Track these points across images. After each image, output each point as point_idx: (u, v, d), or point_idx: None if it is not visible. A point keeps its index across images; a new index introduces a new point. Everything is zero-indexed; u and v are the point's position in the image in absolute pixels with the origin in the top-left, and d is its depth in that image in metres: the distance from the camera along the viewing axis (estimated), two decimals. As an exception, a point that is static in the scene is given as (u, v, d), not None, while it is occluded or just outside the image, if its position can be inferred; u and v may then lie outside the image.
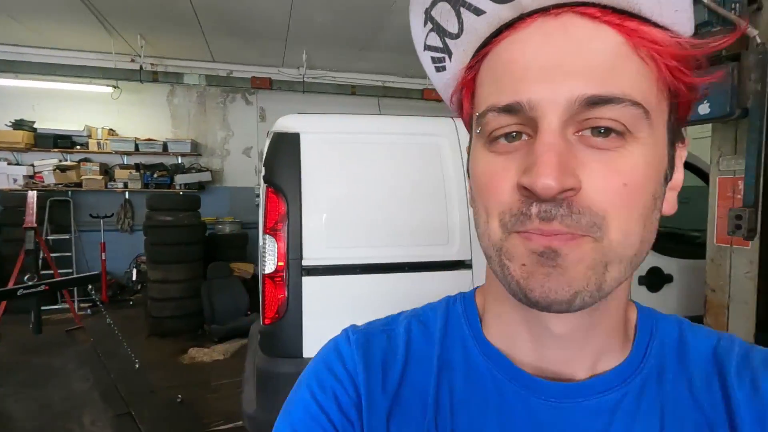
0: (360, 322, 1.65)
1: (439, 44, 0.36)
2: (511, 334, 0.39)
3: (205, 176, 6.95)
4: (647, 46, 0.29)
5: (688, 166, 2.57)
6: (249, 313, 4.90)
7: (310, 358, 1.60)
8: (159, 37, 5.94)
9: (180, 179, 6.73)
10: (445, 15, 0.33)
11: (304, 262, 1.82)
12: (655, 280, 2.31)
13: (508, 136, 0.32)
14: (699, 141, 2.43)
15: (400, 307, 1.86)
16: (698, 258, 2.25)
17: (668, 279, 2.32)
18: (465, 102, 0.38)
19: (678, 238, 2.61)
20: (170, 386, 3.32)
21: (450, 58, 0.36)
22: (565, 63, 0.29)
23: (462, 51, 0.35)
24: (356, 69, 7.36)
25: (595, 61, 0.29)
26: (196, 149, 7.07)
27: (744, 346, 0.37)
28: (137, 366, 3.10)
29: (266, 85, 6.74)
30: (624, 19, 0.29)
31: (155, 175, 6.72)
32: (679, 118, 0.34)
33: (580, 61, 0.29)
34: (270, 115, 7.48)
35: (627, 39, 0.29)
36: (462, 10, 0.32)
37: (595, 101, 0.28)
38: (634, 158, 0.30)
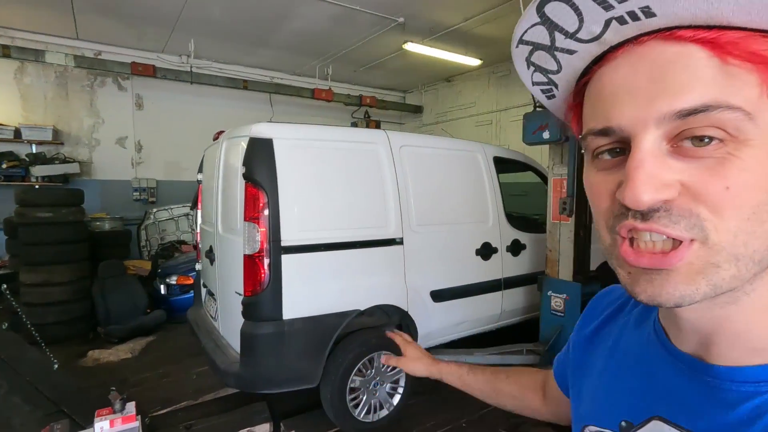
0: (325, 288, 2.69)
1: (544, 79, 0.40)
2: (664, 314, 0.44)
3: (73, 168, 6.19)
4: (742, 55, 0.29)
5: (533, 169, 3.69)
6: (149, 311, 4.75)
7: (290, 319, 2.27)
8: (9, 3, 5.08)
9: (38, 171, 5.88)
10: (543, 59, 0.38)
11: (283, 243, 2.25)
12: (516, 248, 3.33)
13: (611, 151, 0.35)
14: (538, 151, 3.52)
15: (355, 275, 2.73)
16: (540, 232, 3.34)
17: (523, 247, 3.38)
18: (574, 124, 0.42)
19: (527, 220, 3.73)
20: (90, 386, 3.24)
21: (557, 88, 0.41)
22: (650, 87, 0.31)
23: (565, 82, 0.40)
24: (246, 63, 7.37)
25: (680, 79, 0.30)
26: (57, 137, 6.23)
27: None
28: (56, 366, 2.96)
29: (149, 72, 6.32)
30: (720, 33, 0.29)
31: (3, 166, 5.75)
32: None
33: (666, 82, 0.30)
34: (150, 103, 7.00)
35: (717, 53, 0.29)
36: (556, 53, 0.37)
37: (686, 113, 0.30)
38: (739, 161, 0.30)
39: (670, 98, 0.30)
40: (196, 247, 3.46)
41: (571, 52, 0.36)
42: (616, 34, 0.33)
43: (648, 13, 0.30)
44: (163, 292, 4.94)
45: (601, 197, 0.36)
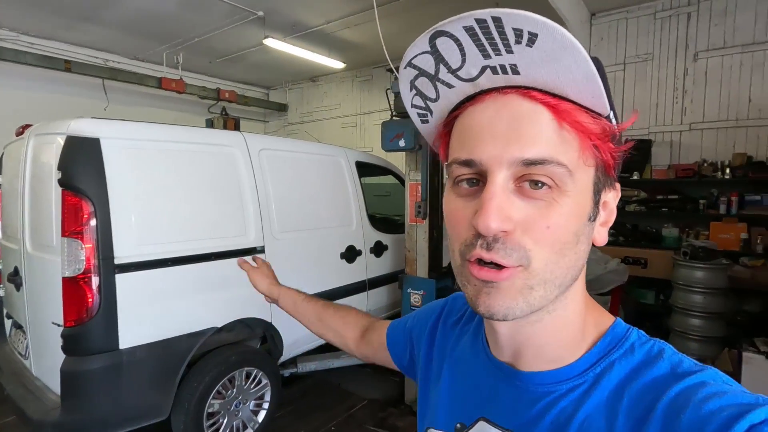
0: (175, 307, 2.50)
1: (422, 104, 0.45)
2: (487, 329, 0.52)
3: None
4: (572, 123, 0.38)
5: (393, 174, 3.90)
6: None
7: (129, 348, 2.01)
8: None
9: None
10: (425, 85, 0.43)
11: (116, 261, 1.92)
12: (379, 249, 3.48)
13: (469, 181, 0.41)
14: (397, 158, 3.73)
15: (209, 291, 2.54)
16: (400, 233, 3.55)
17: (385, 248, 3.54)
18: (441, 150, 0.47)
19: (389, 221, 3.93)
20: None
21: (431, 115, 0.46)
22: (509, 133, 0.38)
23: (440, 111, 0.45)
24: (69, 40, 6.15)
25: (530, 132, 0.37)
26: None
27: (701, 402, 0.35)
28: None
29: None
30: (560, 102, 0.38)
31: None
32: (607, 172, 0.42)
33: (520, 132, 0.38)
34: None
35: (556, 117, 0.38)
36: (437, 83, 0.42)
37: (529, 162, 0.37)
38: (558, 207, 0.38)
39: (521, 146, 0.38)
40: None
41: (449, 86, 0.42)
42: (488, 81, 0.39)
43: (515, 70, 0.37)
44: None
45: (459, 225, 0.42)
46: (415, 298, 3.06)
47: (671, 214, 4.59)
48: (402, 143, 2.83)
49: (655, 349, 0.42)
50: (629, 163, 4.81)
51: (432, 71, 0.41)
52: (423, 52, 0.40)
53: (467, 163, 0.40)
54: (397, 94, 2.82)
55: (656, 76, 4.88)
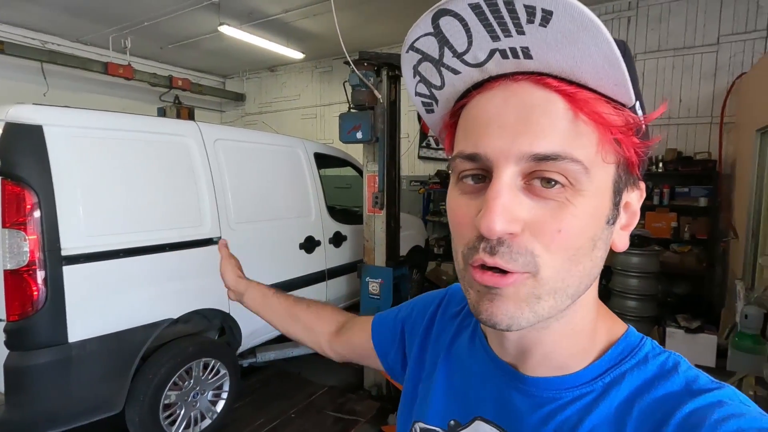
0: (128, 299, 2.34)
1: (427, 92, 0.42)
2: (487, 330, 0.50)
3: None
4: (590, 114, 0.34)
5: (351, 165, 3.95)
6: None
7: (79, 341, 1.99)
8: None
9: None
10: (429, 71, 0.39)
11: (63, 252, 1.86)
12: (338, 239, 3.53)
13: (474, 177, 0.38)
14: (357, 149, 3.78)
15: (164, 282, 2.55)
16: (359, 223, 3.62)
17: (344, 238, 3.60)
18: (446, 142, 0.44)
19: (348, 212, 3.98)
20: None
21: (437, 104, 0.43)
22: (518, 125, 0.34)
23: (445, 100, 0.41)
24: (1, 19, 5.69)
25: (542, 124, 0.33)
26: None
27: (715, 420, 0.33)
28: None
29: None
30: (577, 90, 0.34)
31: None
32: (630, 170, 0.38)
33: (530, 124, 0.34)
34: None
35: (572, 107, 0.34)
36: (442, 69, 0.38)
37: (540, 158, 0.33)
38: (572, 208, 0.34)
39: (531, 139, 0.34)
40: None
41: (455, 71, 0.38)
42: (497, 66, 0.36)
43: (527, 54, 0.34)
44: None
45: (462, 225, 0.38)
46: (374, 286, 3.15)
47: (611, 205, 4.94)
48: (359, 135, 2.89)
49: (670, 362, 0.40)
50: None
51: (436, 56, 0.38)
52: (426, 34, 0.36)
53: (471, 158, 0.37)
54: (355, 87, 2.87)
55: (600, 76, 5.21)
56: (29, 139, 1.80)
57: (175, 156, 2.37)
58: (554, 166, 0.34)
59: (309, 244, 3.22)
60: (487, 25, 0.33)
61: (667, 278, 4.35)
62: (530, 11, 0.31)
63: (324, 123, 7.82)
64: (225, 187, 2.59)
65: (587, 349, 0.42)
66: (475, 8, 0.32)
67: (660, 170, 4.60)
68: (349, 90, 3.02)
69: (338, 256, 3.52)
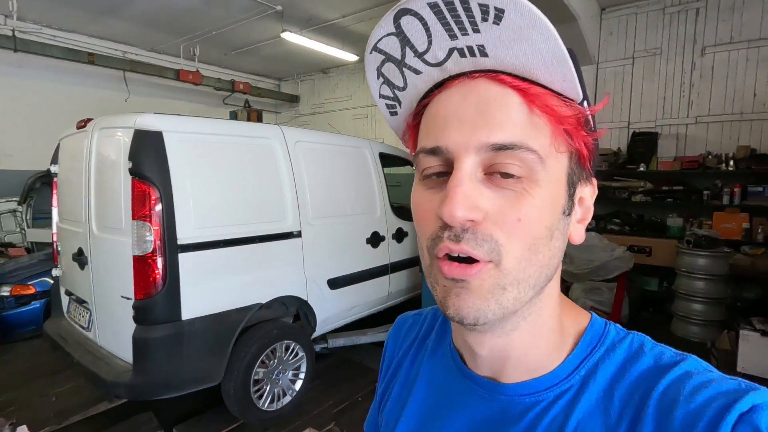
0: (226, 284, 2.60)
1: (390, 94, 0.43)
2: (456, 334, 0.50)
3: None
4: (543, 108, 0.36)
5: (410, 164, 4.09)
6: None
7: (190, 319, 2.28)
8: None
9: None
10: (392, 72, 0.41)
11: (179, 241, 2.14)
12: (400, 235, 3.70)
13: (439, 174, 0.39)
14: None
15: (254, 271, 2.85)
16: (419, 220, 3.76)
17: (406, 234, 3.76)
18: (410, 143, 0.45)
19: (406, 209, 4.13)
20: None
21: (400, 106, 0.44)
22: (476, 118, 0.36)
23: (408, 101, 0.43)
24: (90, 32, 6.32)
25: (499, 117, 0.35)
26: None
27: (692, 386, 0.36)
28: None
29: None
30: (530, 86, 0.36)
31: None
32: (582, 164, 0.40)
33: (487, 117, 0.35)
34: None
35: (526, 101, 0.35)
36: (404, 69, 0.40)
37: (498, 147, 0.35)
38: (530, 197, 0.36)
39: (489, 131, 0.35)
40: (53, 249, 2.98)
41: (417, 72, 0.39)
42: (456, 65, 0.37)
43: (482, 52, 0.35)
44: (-11, 307, 4.07)
45: (425, 218, 0.39)
46: (435, 280, 3.28)
47: (676, 205, 4.77)
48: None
49: (636, 343, 0.42)
50: (635, 155, 4.99)
51: (398, 56, 0.39)
52: (388, 34, 0.38)
53: (433, 151, 0.38)
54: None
55: (664, 71, 5.04)
56: (153, 144, 2.09)
57: (263, 157, 2.61)
58: (511, 156, 0.35)
59: (375, 239, 3.40)
60: (445, 24, 0.35)
61: (736, 282, 4.17)
62: (484, 9, 0.33)
63: (375, 122, 8.02)
64: (304, 185, 2.82)
65: (559, 345, 0.43)
66: (434, 7, 0.34)
67: (730, 168, 4.41)
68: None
69: (400, 251, 3.68)
